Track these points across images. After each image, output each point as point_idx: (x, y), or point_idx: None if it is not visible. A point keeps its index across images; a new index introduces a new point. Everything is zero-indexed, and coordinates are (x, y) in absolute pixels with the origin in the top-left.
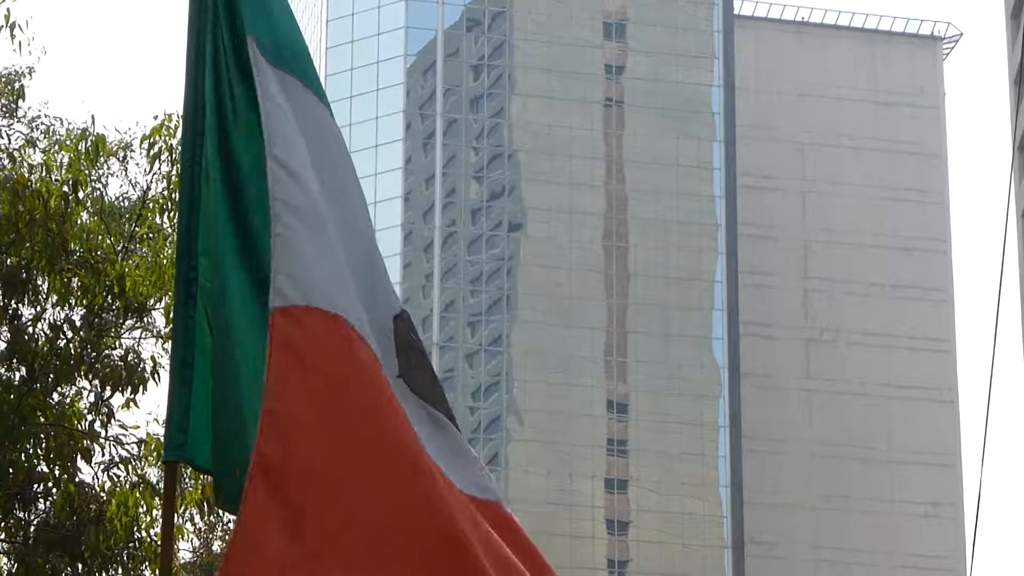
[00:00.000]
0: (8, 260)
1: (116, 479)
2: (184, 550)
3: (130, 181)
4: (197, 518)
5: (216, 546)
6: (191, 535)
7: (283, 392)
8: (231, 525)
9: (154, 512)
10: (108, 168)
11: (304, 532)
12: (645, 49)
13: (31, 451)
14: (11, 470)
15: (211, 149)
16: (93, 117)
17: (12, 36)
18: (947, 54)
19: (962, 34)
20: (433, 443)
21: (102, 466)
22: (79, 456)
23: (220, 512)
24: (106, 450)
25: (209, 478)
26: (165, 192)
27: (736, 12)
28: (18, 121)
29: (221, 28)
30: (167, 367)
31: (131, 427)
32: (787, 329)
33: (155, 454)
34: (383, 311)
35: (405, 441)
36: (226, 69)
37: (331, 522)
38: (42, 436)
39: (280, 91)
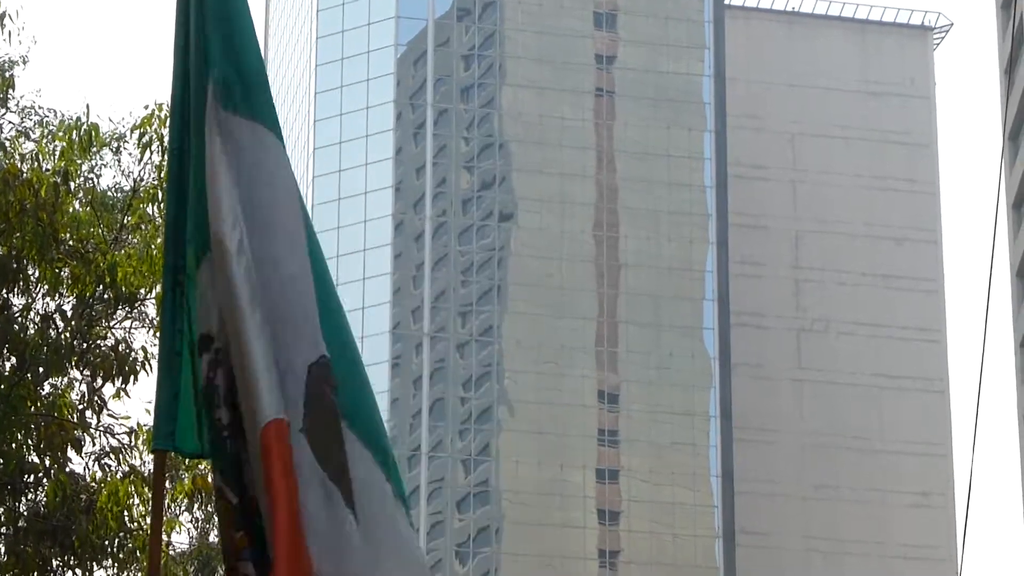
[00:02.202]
0: None
1: (107, 469)
2: (180, 542)
3: (123, 172)
4: (196, 508)
5: (212, 536)
6: (188, 525)
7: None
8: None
9: (145, 502)
10: (101, 159)
11: None
12: (636, 39)
13: (22, 441)
14: (1, 460)
15: (196, 136)
16: (88, 106)
17: (2, 25)
18: (937, 44)
19: (952, 24)
20: (316, 523)
21: (93, 456)
22: (70, 446)
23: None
24: (97, 440)
25: (199, 471)
26: (156, 182)
27: (727, 2)
28: (9, 111)
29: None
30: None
31: (122, 417)
32: (778, 319)
33: (146, 444)
34: (304, 354)
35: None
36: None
37: None
38: (33, 426)
39: (222, 150)
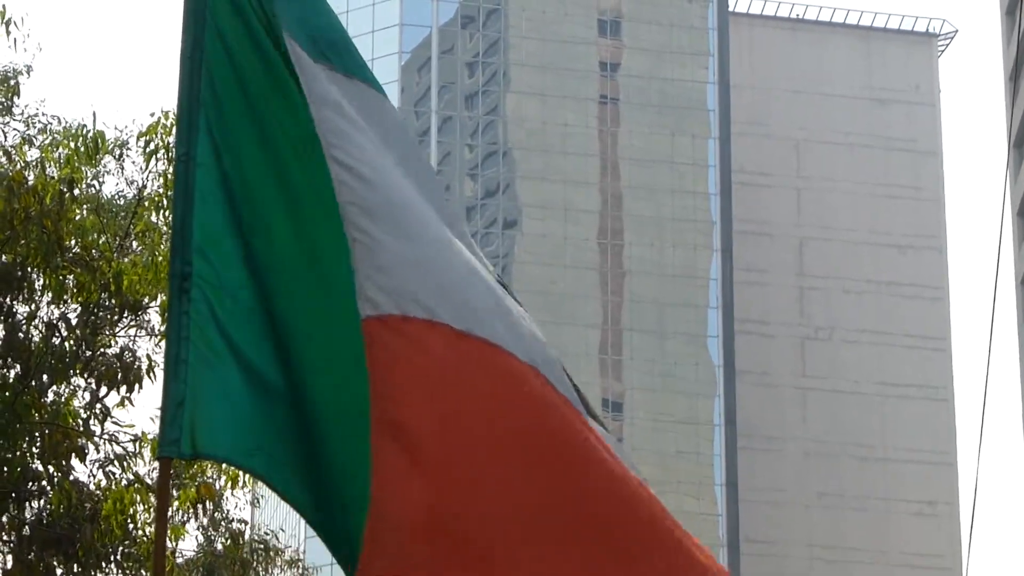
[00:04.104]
0: (3, 257)
1: (111, 477)
2: (188, 549)
3: (127, 180)
4: (203, 515)
5: (219, 544)
6: (196, 532)
7: (403, 399)
8: (235, 524)
9: (150, 510)
10: (105, 166)
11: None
12: (640, 46)
13: (26, 449)
14: (6, 469)
15: (205, 142)
16: (95, 113)
17: (7, 32)
18: (942, 51)
19: (957, 31)
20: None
21: (97, 464)
22: (74, 454)
23: (224, 510)
24: (101, 448)
25: (203, 479)
26: (161, 189)
27: (731, 9)
28: (14, 119)
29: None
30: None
31: (126, 425)
32: (782, 327)
33: (151, 452)
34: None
35: (562, 425)
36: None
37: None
38: (37, 434)
39: (333, 89)
